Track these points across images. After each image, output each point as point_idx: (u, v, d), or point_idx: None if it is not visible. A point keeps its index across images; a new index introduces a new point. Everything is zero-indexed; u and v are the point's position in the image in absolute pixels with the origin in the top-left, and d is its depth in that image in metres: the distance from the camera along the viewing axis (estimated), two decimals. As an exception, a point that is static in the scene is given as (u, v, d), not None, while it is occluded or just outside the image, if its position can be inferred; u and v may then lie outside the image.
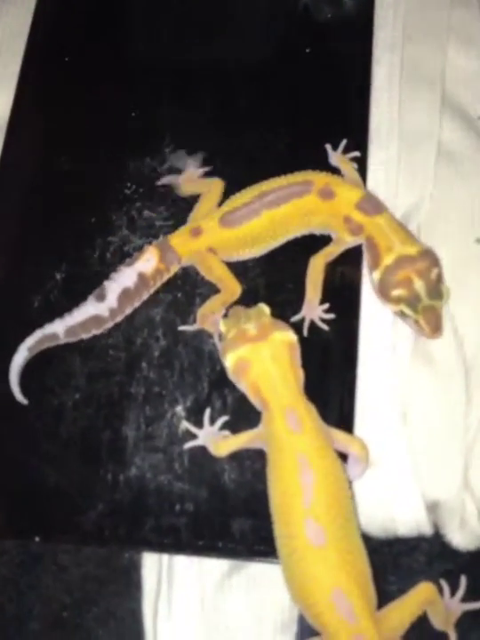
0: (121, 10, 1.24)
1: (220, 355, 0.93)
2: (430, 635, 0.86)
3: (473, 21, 1.18)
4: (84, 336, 0.97)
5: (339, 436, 0.88)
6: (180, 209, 1.05)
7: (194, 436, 0.93)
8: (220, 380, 0.96)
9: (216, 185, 1.03)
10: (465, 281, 1.01)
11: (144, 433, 0.94)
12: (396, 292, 0.92)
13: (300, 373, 0.89)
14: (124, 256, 1.02)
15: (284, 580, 0.83)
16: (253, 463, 0.92)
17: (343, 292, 1.00)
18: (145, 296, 0.99)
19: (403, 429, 0.93)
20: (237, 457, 0.92)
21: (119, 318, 0.98)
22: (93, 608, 0.92)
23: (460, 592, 0.88)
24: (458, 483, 0.91)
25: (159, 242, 1.00)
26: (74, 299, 1.00)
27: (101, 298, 0.97)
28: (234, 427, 0.92)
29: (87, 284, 1.01)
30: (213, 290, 1.00)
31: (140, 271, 0.98)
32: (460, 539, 0.91)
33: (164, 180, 1.07)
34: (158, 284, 1.00)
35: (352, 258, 1.00)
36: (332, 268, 1.00)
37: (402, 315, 0.93)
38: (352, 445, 0.88)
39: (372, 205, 0.97)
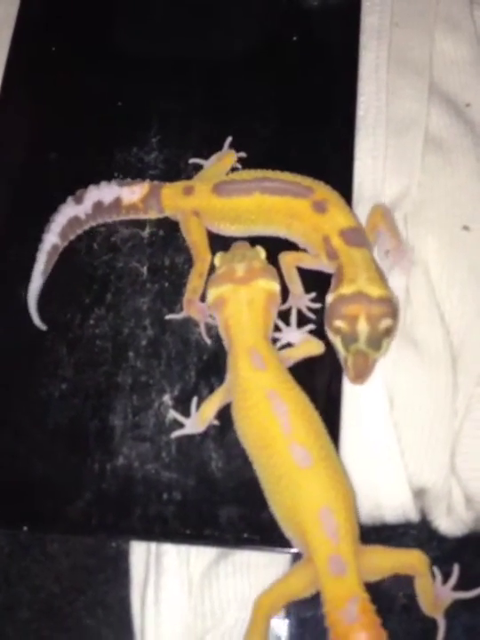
0: (108, -1, 1.24)
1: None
2: (420, 620, 0.87)
3: (460, 8, 1.18)
4: (72, 237, 1.01)
5: (296, 352, 0.92)
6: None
7: (181, 425, 0.93)
8: (207, 369, 0.96)
9: (228, 156, 1.05)
10: (451, 268, 1.01)
11: (131, 422, 0.94)
12: (337, 323, 0.89)
13: (271, 322, 0.92)
14: (111, 246, 1.03)
15: (271, 508, 0.85)
16: (241, 451, 0.91)
17: (330, 280, 1.00)
18: (114, 218, 1.02)
19: (389, 416, 0.93)
20: (224, 445, 0.93)
21: (93, 223, 1.01)
22: (82, 596, 0.92)
23: (453, 580, 0.87)
24: (444, 469, 0.91)
25: (155, 184, 1.02)
26: (61, 290, 1.01)
27: (79, 200, 1.00)
28: (220, 414, 0.92)
29: (74, 274, 1.02)
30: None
31: (119, 196, 1.00)
32: (446, 525, 0.91)
33: (194, 161, 1.07)
34: (131, 216, 1.02)
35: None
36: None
37: (335, 347, 0.91)
38: (309, 346, 0.93)
39: (355, 237, 0.94)
